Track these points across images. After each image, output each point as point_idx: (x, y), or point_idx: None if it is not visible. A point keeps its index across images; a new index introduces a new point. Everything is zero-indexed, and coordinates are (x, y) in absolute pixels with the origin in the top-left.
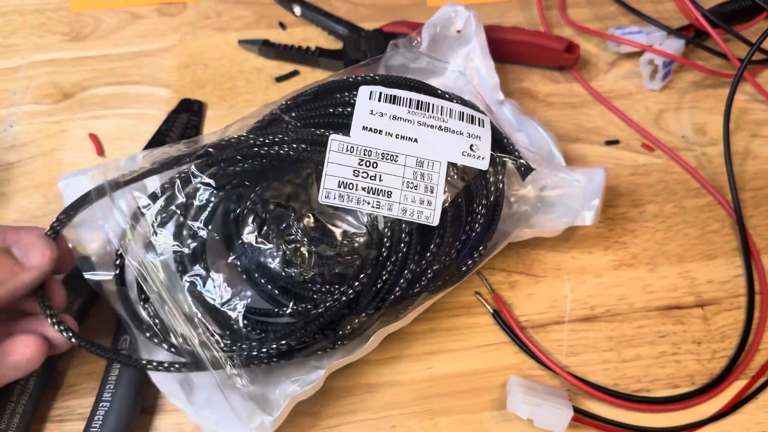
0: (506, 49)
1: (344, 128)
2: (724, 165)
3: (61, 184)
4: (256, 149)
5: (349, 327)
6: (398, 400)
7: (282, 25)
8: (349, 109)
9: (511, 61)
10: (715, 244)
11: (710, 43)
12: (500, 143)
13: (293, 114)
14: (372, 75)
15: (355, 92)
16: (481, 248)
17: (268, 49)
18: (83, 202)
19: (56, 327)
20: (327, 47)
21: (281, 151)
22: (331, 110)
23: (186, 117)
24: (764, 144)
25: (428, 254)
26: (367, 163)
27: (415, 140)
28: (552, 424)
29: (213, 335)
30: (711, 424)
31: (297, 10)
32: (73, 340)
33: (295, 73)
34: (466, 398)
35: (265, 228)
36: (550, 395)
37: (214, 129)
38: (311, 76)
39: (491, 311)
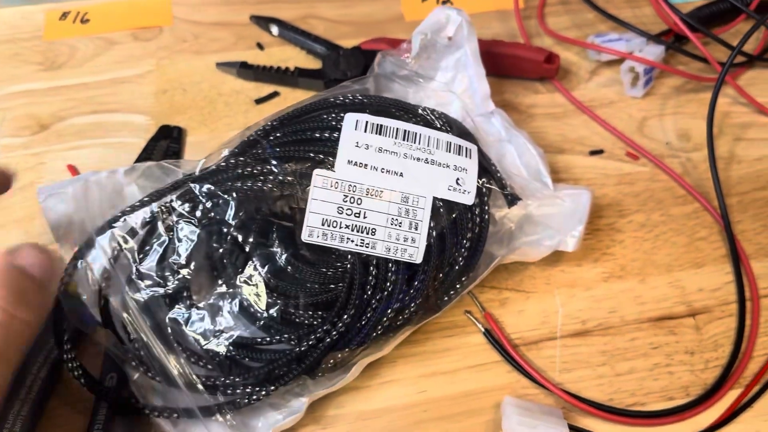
0: (487, 62)
1: (328, 155)
2: (709, 171)
3: (41, 198)
4: (239, 183)
5: (331, 361)
6: (393, 426)
7: (260, 46)
8: (335, 134)
9: (493, 73)
10: (703, 252)
11: (690, 48)
12: (488, 171)
13: (277, 135)
14: (357, 96)
15: (340, 114)
16: (464, 279)
17: (246, 71)
18: (78, 259)
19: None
20: (306, 67)
21: (265, 186)
22: (318, 134)
23: (166, 144)
24: (748, 147)
25: (412, 290)
26: (352, 200)
27: (401, 174)
28: None
29: (196, 373)
30: None
31: (274, 30)
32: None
33: (275, 95)
34: (462, 421)
35: (245, 267)
36: (545, 415)
37: (194, 155)
38: (291, 97)
39: (483, 330)
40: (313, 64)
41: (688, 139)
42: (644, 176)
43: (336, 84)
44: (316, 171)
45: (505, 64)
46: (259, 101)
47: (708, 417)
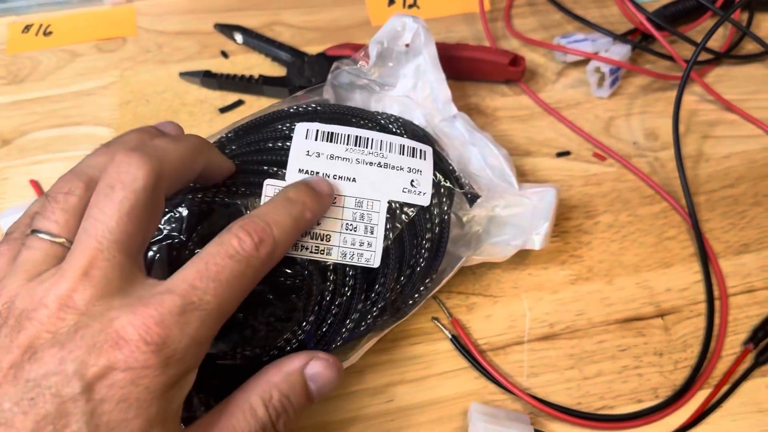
0: (452, 66)
1: (282, 165)
2: (677, 170)
3: (3, 222)
4: (189, 196)
5: None
6: None
7: (224, 54)
8: (288, 144)
9: (458, 77)
10: (671, 251)
11: (657, 47)
12: (445, 172)
13: (233, 147)
14: (311, 105)
15: (293, 123)
16: (427, 281)
17: (210, 80)
18: None
19: None
20: (271, 74)
21: (216, 198)
22: (270, 144)
23: None
24: (716, 145)
25: (373, 294)
26: None
27: (354, 180)
28: None
29: None
30: None
31: (239, 38)
32: None
33: (239, 103)
34: (429, 429)
35: None
36: (512, 421)
37: None
38: (256, 105)
39: (450, 336)
40: (278, 71)
41: (656, 138)
42: (611, 177)
43: (300, 91)
44: (267, 181)
45: (471, 68)
46: (224, 110)
47: (677, 418)
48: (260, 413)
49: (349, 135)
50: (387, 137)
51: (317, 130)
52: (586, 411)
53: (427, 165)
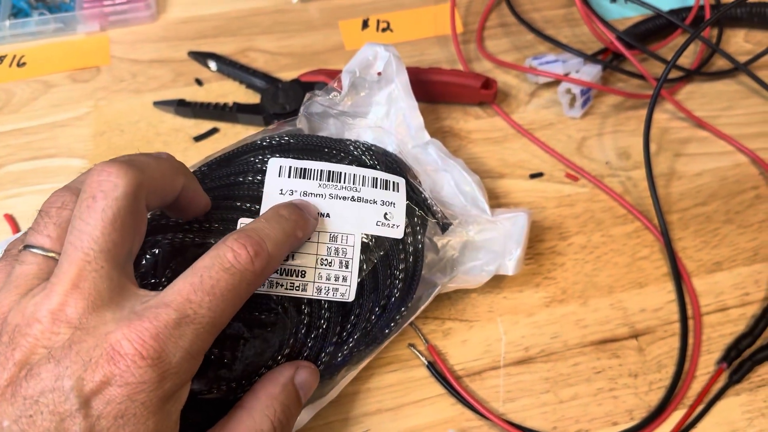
0: (425, 90)
1: (255, 200)
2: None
3: None
4: (160, 236)
5: None
6: None
7: (199, 82)
8: (259, 177)
9: (432, 100)
10: (645, 271)
11: (627, 65)
12: (418, 203)
13: (206, 182)
14: (284, 137)
15: (266, 156)
16: (402, 310)
17: (184, 108)
18: None
19: None
20: (245, 101)
21: (187, 237)
22: (241, 178)
23: None
24: (688, 162)
25: (348, 326)
26: None
27: (328, 215)
28: None
29: None
30: None
31: (212, 65)
32: None
33: (214, 131)
34: None
35: None
36: None
37: None
38: (231, 132)
39: (426, 363)
40: (252, 98)
41: (628, 157)
42: (584, 197)
43: (275, 118)
44: (241, 220)
45: (444, 91)
46: (198, 138)
47: None
48: (267, 429)
49: (321, 170)
50: (360, 171)
51: (290, 167)
52: None
53: (400, 197)
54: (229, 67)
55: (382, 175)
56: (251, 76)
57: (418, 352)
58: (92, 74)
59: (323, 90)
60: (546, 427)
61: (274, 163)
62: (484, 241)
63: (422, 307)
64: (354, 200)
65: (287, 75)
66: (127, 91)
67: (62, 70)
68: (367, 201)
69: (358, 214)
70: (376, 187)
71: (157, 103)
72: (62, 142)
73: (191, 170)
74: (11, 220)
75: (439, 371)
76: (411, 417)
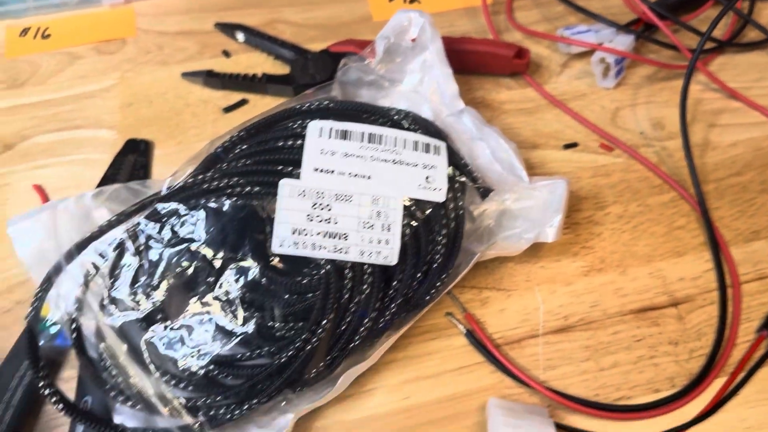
0: (457, 60)
1: (295, 164)
2: (684, 159)
3: (11, 230)
4: (204, 199)
5: (314, 371)
6: None
7: (226, 54)
8: (299, 142)
9: (463, 71)
10: (682, 240)
11: (660, 36)
12: (458, 166)
13: (243, 147)
14: (323, 101)
15: (305, 121)
16: (443, 276)
17: (213, 79)
18: (47, 285)
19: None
20: (274, 72)
21: (230, 200)
22: (281, 143)
23: (133, 158)
24: (722, 133)
25: (391, 291)
26: (321, 206)
27: (369, 177)
28: None
29: (176, 395)
30: (695, 427)
31: (240, 36)
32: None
33: (243, 102)
34: (447, 425)
35: (218, 283)
36: (530, 414)
37: (162, 168)
38: (261, 104)
39: (464, 332)
40: (281, 69)
41: (662, 127)
42: (619, 167)
43: (305, 89)
44: (283, 180)
45: (476, 62)
46: (228, 110)
47: (695, 407)
48: None
49: (363, 132)
50: (401, 133)
51: (331, 128)
52: (605, 402)
53: (441, 160)
54: (257, 39)
55: (423, 138)
56: (280, 47)
57: (456, 320)
58: (118, 46)
59: (357, 56)
60: (588, 395)
61: (315, 125)
62: (522, 210)
63: (461, 274)
64: (395, 163)
65: (314, 47)
66: (153, 63)
67: (87, 42)
68: (408, 164)
69: (399, 177)
70: (417, 150)
71: (185, 75)
72: (90, 113)
73: (222, 141)
74: (40, 190)
75: (478, 339)
76: (450, 385)
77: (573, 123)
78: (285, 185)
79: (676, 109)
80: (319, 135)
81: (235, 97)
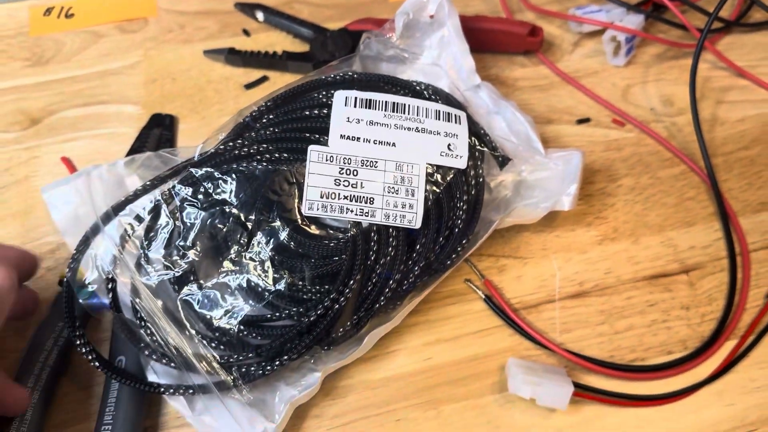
0: (471, 39)
1: (322, 132)
2: (694, 133)
3: (46, 195)
4: (235, 164)
5: (341, 330)
6: (401, 393)
7: (246, 32)
8: (325, 111)
9: (477, 49)
10: (692, 211)
11: (669, 16)
12: (478, 135)
13: (270, 116)
14: (348, 73)
15: (330, 91)
16: (464, 241)
17: (234, 57)
18: (84, 245)
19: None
20: (293, 50)
21: (260, 165)
22: (308, 112)
23: (158, 132)
24: (730, 109)
25: (414, 254)
26: (348, 171)
27: (393, 144)
28: (554, 401)
29: (211, 353)
30: (707, 386)
31: (260, 15)
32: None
33: (264, 79)
34: (468, 385)
35: (249, 245)
36: (550, 373)
37: (187, 142)
38: (281, 81)
39: (483, 297)
40: (299, 48)
41: (672, 104)
42: (631, 141)
43: (330, 62)
44: (311, 147)
45: (490, 40)
46: (249, 86)
47: (707, 368)
48: None
49: (386, 101)
50: (423, 103)
51: (355, 97)
52: (620, 363)
53: (462, 129)
54: (277, 18)
55: (444, 108)
56: (299, 26)
57: (475, 287)
58: (140, 25)
59: (377, 31)
60: (603, 356)
61: (340, 95)
62: (538, 180)
63: (481, 241)
64: (418, 131)
65: (332, 26)
66: (176, 42)
67: (110, 21)
68: (430, 132)
69: (422, 145)
70: (439, 119)
71: (207, 52)
72: (114, 89)
73: (250, 110)
74: (68, 162)
75: (496, 304)
76: (470, 347)
77: (585, 99)
78: (313, 151)
79: (685, 87)
80: (344, 104)
81: (256, 74)
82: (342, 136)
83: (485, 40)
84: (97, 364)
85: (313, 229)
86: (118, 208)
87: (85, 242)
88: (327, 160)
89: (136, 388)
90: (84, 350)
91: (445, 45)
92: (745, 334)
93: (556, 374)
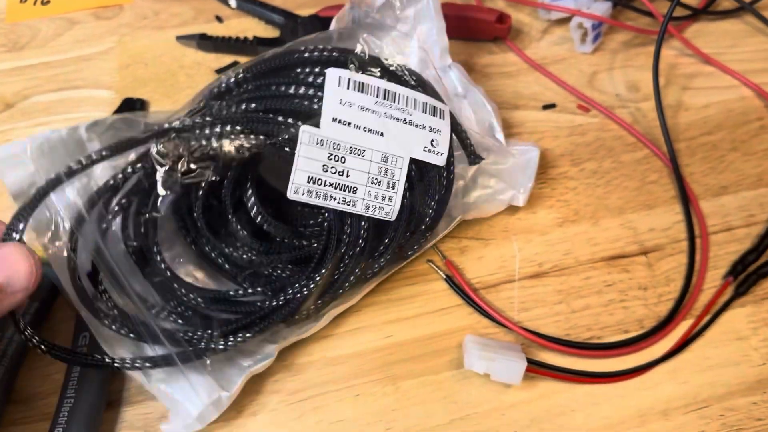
0: None
1: (306, 116)
2: (658, 119)
3: None
4: (214, 138)
5: (304, 312)
6: (360, 369)
7: (219, 19)
8: (311, 92)
9: (447, 36)
10: (654, 194)
11: (637, 3)
12: (457, 132)
13: (249, 87)
14: (333, 54)
15: (314, 69)
16: (428, 234)
17: (206, 42)
18: (38, 199)
19: (26, 335)
20: (265, 36)
21: (244, 143)
22: (292, 90)
23: None
24: (695, 95)
25: (382, 247)
26: (336, 158)
27: (381, 134)
28: (508, 376)
29: (175, 326)
30: (662, 364)
31: (233, 2)
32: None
33: (234, 64)
34: (426, 361)
35: (223, 224)
36: (504, 349)
37: None
38: None
39: (444, 277)
40: (271, 33)
41: (637, 90)
42: (595, 127)
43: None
44: (303, 127)
45: (459, 26)
46: (220, 71)
47: (662, 347)
48: None
49: (378, 87)
50: (412, 93)
51: (349, 79)
52: (575, 340)
53: (445, 125)
54: (249, 4)
55: (430, 100)
56: (270, 12)
57: (437, 267)
58: (115, 12)
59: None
60: (559, 334)
61: (334, 73)
62: (496, 171)
63: (444, 233)
64: (405, 123)
65: (304, 12)
66: (149, 28)
67: (85, 8)
68: (417, 125)
69: (408, 138)
70: (426, 113)
71: (179, 38)
72: (88, 74)
73: (228, 78)
74: None
75: (456, 284)
76: (430, 325)
77: (552, 85)
78: (305, 132)
79: (651, 73)
80: (338, 84)
81: (227, 59)
82: (334, 120)
83: (454, 26)
84: (50, 353)
85: (289, 214)
86: (83, 168)
87: (38, 198)
88: (318, 144)
89: (95, 366)
90: (35, 344)
91: (420, 19)
92: (701, 314)
93: (511, 350)
